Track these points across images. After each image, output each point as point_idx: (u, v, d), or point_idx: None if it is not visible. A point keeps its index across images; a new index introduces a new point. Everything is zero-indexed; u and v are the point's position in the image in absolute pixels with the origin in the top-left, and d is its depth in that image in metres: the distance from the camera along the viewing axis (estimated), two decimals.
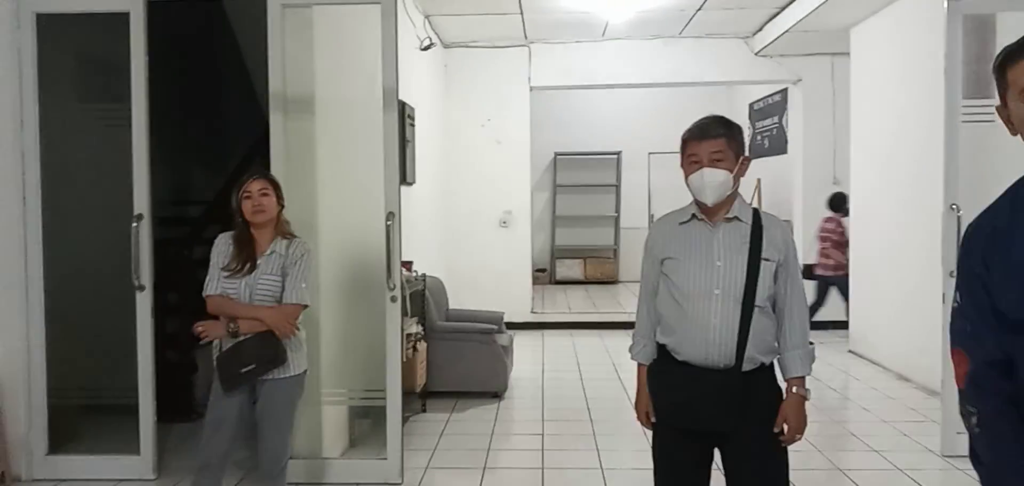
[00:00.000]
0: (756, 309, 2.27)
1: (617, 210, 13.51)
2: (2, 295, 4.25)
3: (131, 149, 4.28)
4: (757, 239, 2.31)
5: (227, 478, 3.19)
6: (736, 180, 2.33)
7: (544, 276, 12.96)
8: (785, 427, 2.34)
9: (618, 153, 13.25)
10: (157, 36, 4.33)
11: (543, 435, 5.14)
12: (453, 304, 6.77)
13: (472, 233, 9.14)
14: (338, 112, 4.36)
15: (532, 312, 9.40)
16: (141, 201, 4.22)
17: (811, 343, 2.41)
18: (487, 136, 9.12)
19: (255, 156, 7.01)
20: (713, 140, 2.31)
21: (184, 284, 5.50)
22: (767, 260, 2.30)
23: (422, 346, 5.50)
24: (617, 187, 13.45)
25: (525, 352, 7.39)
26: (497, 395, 6.00)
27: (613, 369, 7.09)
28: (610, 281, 13.25)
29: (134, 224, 4.21)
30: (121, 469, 4.32)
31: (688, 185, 2.36)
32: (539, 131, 10.22)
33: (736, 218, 2.34)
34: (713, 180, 2.28)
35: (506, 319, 6.79)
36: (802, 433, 2.35)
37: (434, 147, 8.05)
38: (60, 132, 4.43)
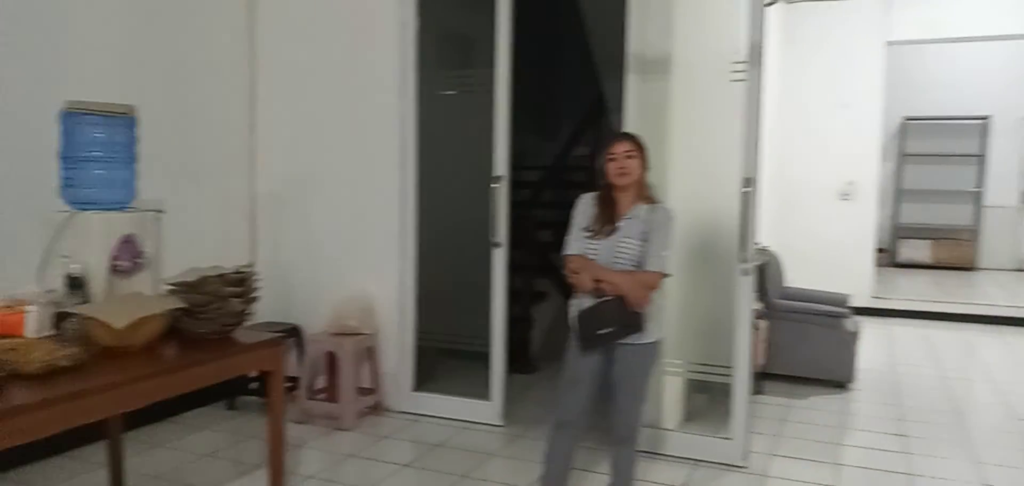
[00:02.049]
0: None
1: (979, 185, 11.64)
2: (384, 245, 4.76)
3: (482, 113, 4.48)
4: None
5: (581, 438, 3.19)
6: None
7: (884, 257, 11.61)
8: None
9: (985, 118, 11.36)
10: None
11: (906, 437, 4.52)
12: (786, 281, 6.27)
13: (806, 204, 8.42)
14: (691, 73, 4.16)
15: (874, 297, 8.44)
16: (501, 163, 4.42)
17: None
18: (827, 99, 8.30)
19: (592, 121, 7.15)
20: None
21: (524, 244, 5.77)
22: None
23: (763, 325, 5.15)
24: (981, 158, 11.57)
25: (869, 341, 6.63)
26: (842, 385, 5.45)
27: (986, 370, 6.07)
28: (965, 267, 11.50)
29: (494, 185, 4.42)
30: (473, 412, 4.62)
31: None
32: (886, 93, 9.08)
33: None
34: None
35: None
36: None
37: (768, 111, 7.50)
38: (426, 98, 4.81)
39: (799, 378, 5.46)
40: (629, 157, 3.03)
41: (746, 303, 3.92)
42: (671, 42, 4.15)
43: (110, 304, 2.76)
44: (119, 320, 2.61)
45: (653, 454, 4.04)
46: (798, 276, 6.94)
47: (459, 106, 5.74)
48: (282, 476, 3.12)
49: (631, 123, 4.00)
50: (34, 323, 2.81)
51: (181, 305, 2.83)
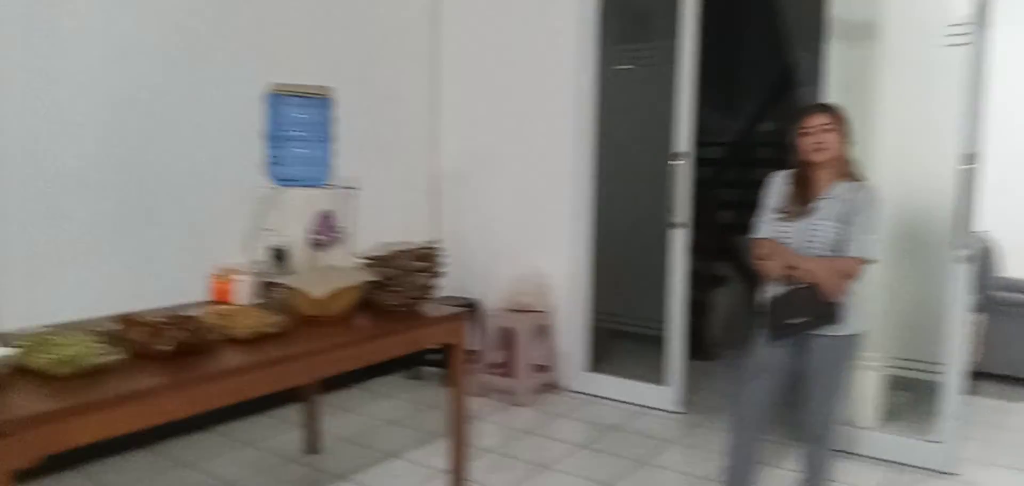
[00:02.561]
0: None
1: None
2: (559, 223, 4.74)
3: (661, 88, 4.32)
4: None
5: (766, 434, 3.00)
6: None
7: None
8: None
9: None
10: None
11: None
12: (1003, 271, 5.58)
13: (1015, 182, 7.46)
14: (901, 38, 3.77)
15: None
16: (683, 140, 4.25)
17: None
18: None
19: (779, 93, 6.74)
20: None
21: (704, 225, 5.53)
22: None
23: (978, 318, 4.62)
24: None
25: None
26: None
27: None
28: None
29: (674, 162, 4.26)
30: (649, 396, 4.51)
31: None
32: None
33: None
34: None
35: None
36: None
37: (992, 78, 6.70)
38: (603, 74, 4.70)
39: (1018, 379, 4.87)
40: (826, 130, 2.76)
41: (961, 294, 3.51)
42: (879, 4, 3.78)
43: (310, 275, 2.91)
44: (318, 290, 2.75)
45: (849, 454, 3.74)
46: (1017, 265, 6.18)
47: (636, 81, 5.60)
48: (464, 447, 3.19)
49: (832, 94, 3.68)
50: (242, 292, 3.04)
51: (373, 278, 2.94)
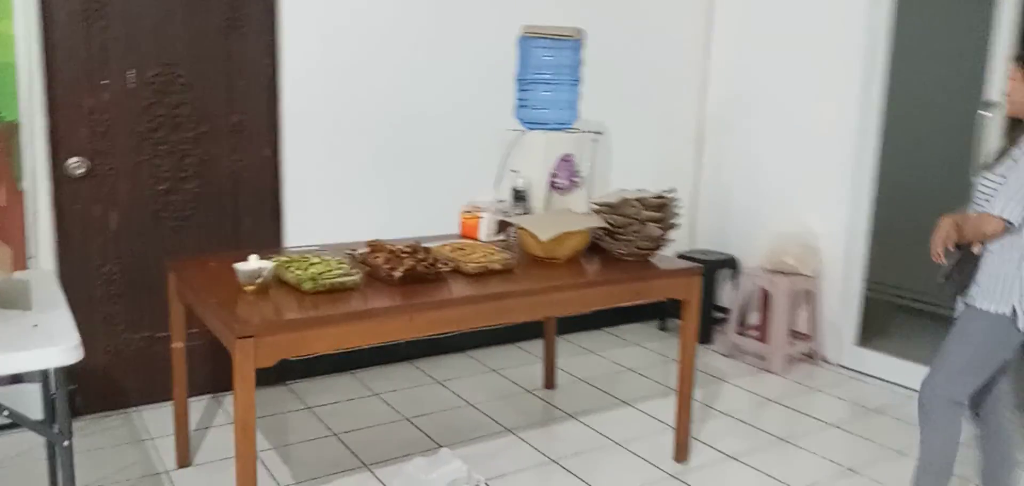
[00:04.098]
0: None
1: None
2: (835, 178, 4.27)
3: (969, 26, 3.64)
4: None
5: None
6: None
7: None
8: None
9: None
10: None
11: None
12: None
13: None
14: None
15: None
16: (998, 86, 3.57)
17: None
18: None
19: None
20: None
21: None
22: None
23: None
24: None
25: None
26: None
27: None
28: None
29: (985, 112, 3.61)
30: None
31: None
32: None
33: None
34: None
35: None
36: None
37: None
38: (901, 6, 4.09)
39: None
40: (1012, 79, 2.46)
41: None
42: None
43: (540, 218, 2.97)
44: (544, 233, 2.79)
45: None
46: None
47: (940, 13, 4.84)
48: (688, 408, 3.07)
49: None
50: (485, 229, 3.20)
51: (602, 225, 2.91)
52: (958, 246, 2.46)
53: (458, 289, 2.51)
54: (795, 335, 4.36)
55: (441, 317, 2.41)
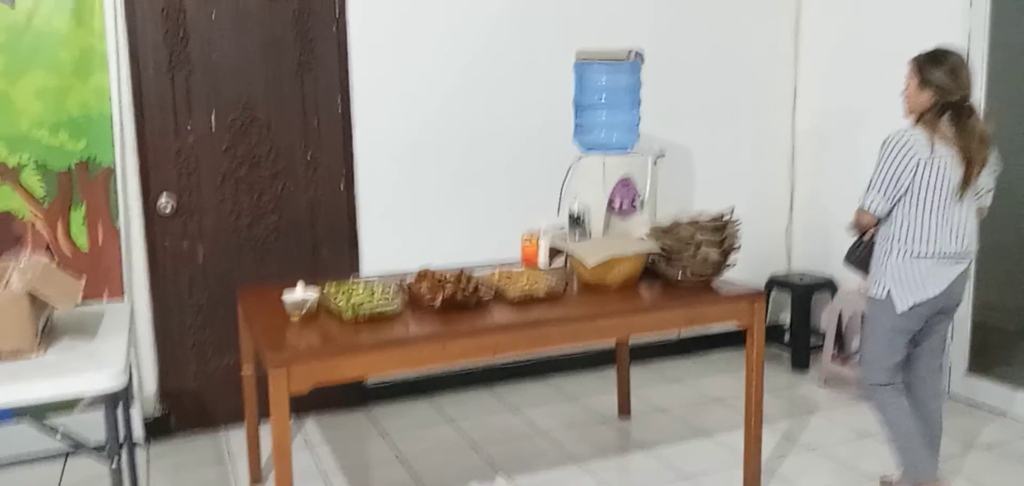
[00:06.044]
0: None
1: None
2: None
3: None
4: None
5: None
6: None
7: None
8: None
9: None
10: None
11: None
12: None
13: None
14: None
15: None
16: None
17: None
18: None
19: None
20: None
21: None
22: None
23: None
24: None
25: None
26: None
27: None
28: None
29: None
30: None
31: None
32: None
33: None
34: None
35: None
36: None
37: None
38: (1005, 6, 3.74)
39: None
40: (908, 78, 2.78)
41: None
42: None
43: (588, 244, 2.92)
44: (590, 258, 2.74)
45: None
46: None
47: None
48: (758, 442, 2.91)
49: None
50: (543, 255, 3.18)
51: (654, 250, 2.83)
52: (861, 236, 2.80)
53: (498, 316, 2.51)
54: None
55: (475, 344, 2.41)
